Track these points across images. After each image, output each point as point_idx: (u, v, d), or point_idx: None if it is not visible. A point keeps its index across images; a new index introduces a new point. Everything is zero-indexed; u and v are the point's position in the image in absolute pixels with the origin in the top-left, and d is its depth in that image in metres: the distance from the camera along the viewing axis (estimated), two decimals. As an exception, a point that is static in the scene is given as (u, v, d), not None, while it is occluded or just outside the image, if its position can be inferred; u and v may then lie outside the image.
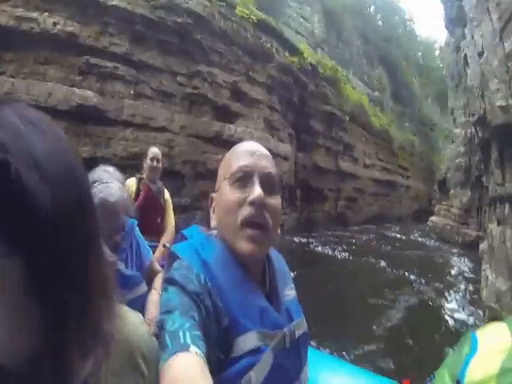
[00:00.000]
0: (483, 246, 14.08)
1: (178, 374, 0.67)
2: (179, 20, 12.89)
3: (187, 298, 0.85)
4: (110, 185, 1.87)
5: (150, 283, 2.30)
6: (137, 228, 2.36)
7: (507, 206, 6.95)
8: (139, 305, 1.99)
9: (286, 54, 19.74)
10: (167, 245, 3.16)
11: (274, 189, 1.05)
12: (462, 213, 19.79)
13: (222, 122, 14.46)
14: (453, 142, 24.08)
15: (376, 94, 38.01)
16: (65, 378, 0.52)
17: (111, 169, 2.09)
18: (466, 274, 12.79)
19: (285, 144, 18.61)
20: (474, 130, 7.53)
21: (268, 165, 1.06)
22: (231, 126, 14.86)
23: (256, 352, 0.89)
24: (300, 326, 1.09)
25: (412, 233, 25.55)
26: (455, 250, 17.81)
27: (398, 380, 1.88)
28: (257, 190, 0.98)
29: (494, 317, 6.53)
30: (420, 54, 57.59)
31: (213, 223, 1.11)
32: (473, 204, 19.16)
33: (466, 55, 18.07)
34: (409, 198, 37.11)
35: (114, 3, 10.94)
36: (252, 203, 0.98)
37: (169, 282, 0.91)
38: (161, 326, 0.79)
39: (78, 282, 0.53)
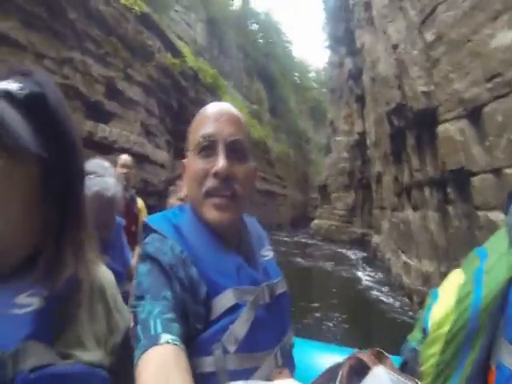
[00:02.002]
0: (376, 238, 15.24)
1: (150, 377, 0.64)
2: (49, -11, 10.19)
3: (159, 275, 0.82)
4: (106, 179, 1.80)
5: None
6: (121, 229, 2.28)
7: (427, 189, 6.86)
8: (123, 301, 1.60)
9: (168, 55, 18.21)
10: None
11: (243, 155, 0.98)
12: (346, 213, 20.71)
13: (95, 122, 12.16)
14: (330, 152, 25.98)
15: (254, 106, 38.70)
16: (59, 269, 0.66)
17: (107, 164, 1.98)
18: (364, 262, 13.88)
19: (162, 151, 16.98)
20: (387, 120, 7.76)
21: (234, 131, 0.97)
22: (105, 126, 12.64)
23: (234, 310, 0.84)
24: (280, 285, 1.03)
25: (298, 236, 26.62)
26: (345, 246, 18.94)
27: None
28: (221, 162, 0.91)
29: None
30: (296, 74, 61.02)
31: (184, 191, 1.08)
32: (357, 204, 20.53)
33: (350, 69, 20.24)
34: (286, 206, 38.25)
35: None
36: (216, 174, 0.91)
37: (142, 257, 0.87)
38: (133, 314, 0.78)
39: (76, 196, 0.71)
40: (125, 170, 3.78)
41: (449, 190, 6.17)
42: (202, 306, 0.83)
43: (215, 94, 24.04)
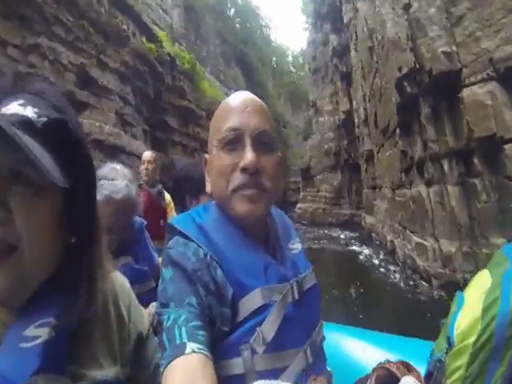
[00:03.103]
0: (369, 219, 14.64)
1: None
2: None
3: (183, 281, 0.80)
4: (116, 182, 1.76)
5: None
6: (145, 231, 2.16)
7: (446, 162, 6.18)
8: (147, 299, 1.72)
9: (144, 39, 17.00)
10: None
11: (270, 146, 0.93)
12: (332, 195, 19.91)
13: None
14: (310, 134, 25.37)
15: (232, 92, 38.19)
16: (94, 293, 0.67)
17: (119, 166, 1.92)
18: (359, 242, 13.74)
19: (139, 141, 15.77)
20: (395, 88, 7.04)
21: (260, 121, 0.92)
22: None
23: (262, 310, 0.82)
24: (309, 278, 0.99)
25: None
26: (334, 229, 18.47)
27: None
28: (249, 155, 0.87)
29: (450, 282, 6.09)
30: (274, 58, 60.18)
31: (208, 187, 1.01)
32: (343, 185, 19.91)
33: (335, 46, 19.46)
34: None
35: None
36: (244, 169, 0.87)
37: (165, 262, 0.85)
38: (158, 323, 0.77)
39: (91, 216, 0.68)
40: (150, 167, 3.82)
41: (475, 160, 5.55)
42: (229, 308, 0.81)
43: (193, 80, 22.97)
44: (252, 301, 0.82)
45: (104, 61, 13.64)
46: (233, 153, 0.90)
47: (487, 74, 5.23)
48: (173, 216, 3.85)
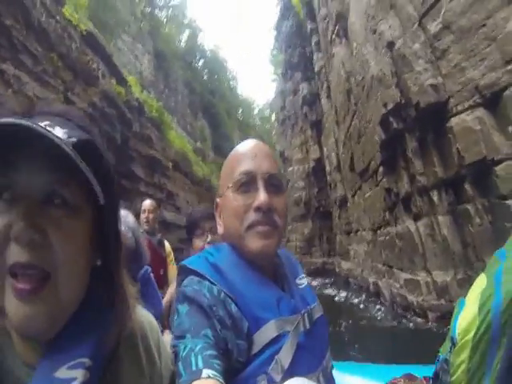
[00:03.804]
0: (345, 264, 14.30)
1: None
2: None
3: (199, 315, 0.83)
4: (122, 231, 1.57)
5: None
6: (152, 277, 2.27)
7: (435, 193, 6.19)
8: None
9: (113, 81, 16.67)
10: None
11: (279, 188, 1.01)
12: (303, 244, 19.86)
13: None
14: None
15: (198, 144, 37.90)
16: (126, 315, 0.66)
17: (124, 212, 1.96)
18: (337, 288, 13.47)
19: None
20: (380, 125, 7.15)
21: (270, 165, 1.01)
22: None
23: (277, 340, 0.85)
24: (317, 310, 1.05)
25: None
26: (308, 278, 18.05)
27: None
28: (262, 196, 0.95)
29: (447, 312, 5.87)
30: (241, 110, 61.89)
31: (220, 229, 1.08)
32: (315, 234, 19.90)
33: (305, 95, 20.15)
34: None
35: None
36: (258, 209, 0.95)
37: (181, 299, 0.89)
38: (174, 353, 0.78)
39: (116, 237, 0.67)
40: (151, 216, 3.88)
41: (466, 186, 5.58)
42: (245, 340, 0.83)
43: (159, 129, 22.77)
44: (266, 332, 0.85)
45: (71, 99, 13.01)
46: (246, 194, 0.96)
47: (474, 101, 5.37)
48: (173, 266, 3.94)
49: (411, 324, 6.59)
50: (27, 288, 0.52)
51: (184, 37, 46.64)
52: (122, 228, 1.75)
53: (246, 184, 0.97)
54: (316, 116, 18.94)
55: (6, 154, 0.54)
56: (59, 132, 0.55)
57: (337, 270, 15.72)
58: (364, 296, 10.11)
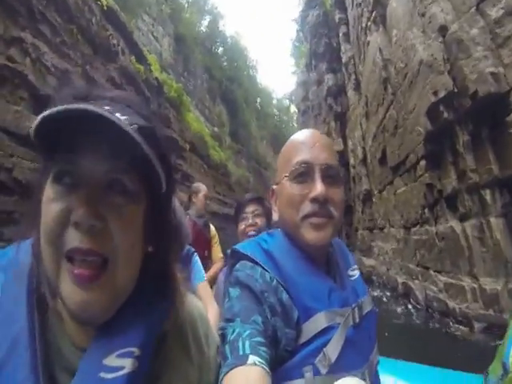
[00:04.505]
0: (369, 261, 13.73)
1: None
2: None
3: (250, 300, 0.83)
4: None
5: None
6: (197, 257, 2.33)
7: (488, 192, 5.62)
8: None
9: (133, 59, 16.24)
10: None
11: (336, 179, 1.00)
12: None
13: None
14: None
15: (215, 129, 37.71)
16: (166, 293, 0.66)
17: None
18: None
19: None
20: (427, 115, 6.56)
21: (328, 156, 1.00)
22: None
23: (326, 331, 0.86)
24: (367, 303, 1.04)
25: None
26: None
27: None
28: (318, 187, 0.94)
29: (494, 324, 5.39)
30: (259, 100, 61.30)
31: (275, 216, 1.09)
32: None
33: (330, 86, 19.50)
34: None
35: None
36: (314, 200, 0.94)
37: (233, 283, 0.89)
38: (221, 335, 0.79)
39: (169, 225, 0.68)
40: (204, 199, 4.02)
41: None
42: (294, 329, 0.84)
43: (178, 110, 22.52)
44: (316, 323, 0.86)
45: (89, 73, 12.61)
46: (303, 184, 0.97)
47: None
48: (217, 248, 4.10)
49: (452, 330, 6.10)
50: (86, 274, 0.52)
51: (205, 22, 46.27)
52: None
53: (303, 174, 0.96)
54: (341, 108, 18.29)
55: (71, 139, 0.53)
56: (120, 118, 0.52)
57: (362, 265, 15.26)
58: (389, 296, 9.66)
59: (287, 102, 61.13)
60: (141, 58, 17.37)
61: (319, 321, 0.86)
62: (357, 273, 1.11)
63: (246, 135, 47.10)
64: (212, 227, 4.14)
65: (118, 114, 0.52)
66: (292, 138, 1.08)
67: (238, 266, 0.93)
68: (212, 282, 2.93)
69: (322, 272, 0.98)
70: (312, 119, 22.28)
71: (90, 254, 0.52)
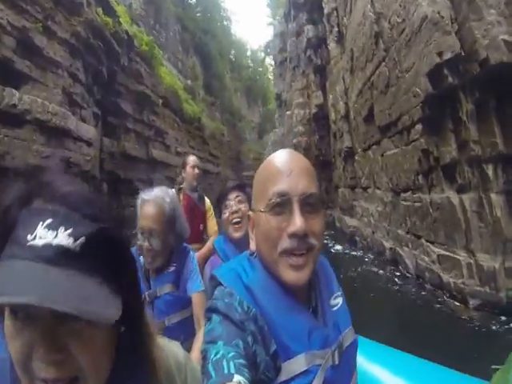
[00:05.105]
0: (351, 221, 13.06)
1: None
2: None
3: (232, 326, 0.81)
4: (154, 190, 2.01)
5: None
6: (194, 257, 2.24)
7: (490, 167, 5.34)
8: (186, 326, 1.97)
9: (100, 11, 14.68)
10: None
11: (316, 207, 0.92)
12: None
13: (1, 85, 8.96)
14: (273, 128, 24.36)
15: (189, 82, 36.06)
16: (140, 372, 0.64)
17: (164, 187, 2.11)
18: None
19: (88, 126, 13.58)
20: (428, 77, 6.01)
21: (307, 184, 0.92)
22: (14, 91, 9.35)
23: (305, 373, 0.84)
24: (348, 336, 1.00)
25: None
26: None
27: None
28: (297, 221, 0.87)
29: (490, 301, 5.29)
30: (233, 51, 58.78)
31: (252, 245, 1.02)
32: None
33: (310, 38, 18.38)
34: (218, 184, 37.02)
35: None
36: (293, 235, 0.87)
37: (212, 311, 0.87)
38: (204, 356, 0.77)
39: (138, 305, 0.66)
40: (196, 171, 3.89)
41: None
42: (271, 360, 0.82)
43: (150, 64, 21.05)
44: (295, 365, 0.83)
45: (52, 28, 11.37)
46: (280, 216, 0.89)
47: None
48: (213, 221, 3.96)
49: (446, 304, 6.01)
50: None
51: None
52: (161, 195, 1.99)
53: (281, 205, 0.90)
54: (321, 61, 17.40)
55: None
56: (63, 237, 0.51)
57: (337, 224, 15.16)
58: (371, 256, 9.64)
59: (262, 54, 59.43)
60: (108, 10, 15.78)
61: (299, 363, 0.84)
62: (339, 301, 1.05)
63: (219, 87, 45.47)
64: (207, 200, 4.03)
65: (61, 228, 0.51)
66: (268, 162, 1.00)
67: (216, 293, 0.91)
68: (206, 258, 2.73)
69: (302, 308, 0.93)
70: (290, 71, 21.27)
71: (59, 381, 0.52)
